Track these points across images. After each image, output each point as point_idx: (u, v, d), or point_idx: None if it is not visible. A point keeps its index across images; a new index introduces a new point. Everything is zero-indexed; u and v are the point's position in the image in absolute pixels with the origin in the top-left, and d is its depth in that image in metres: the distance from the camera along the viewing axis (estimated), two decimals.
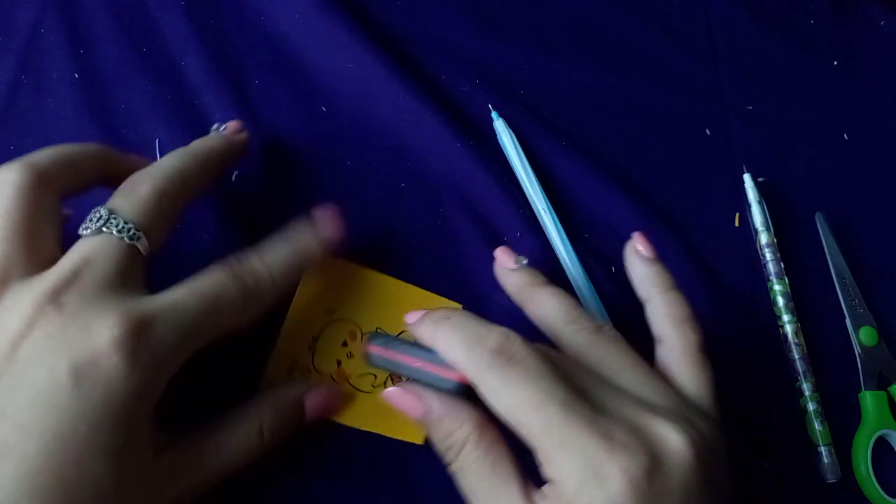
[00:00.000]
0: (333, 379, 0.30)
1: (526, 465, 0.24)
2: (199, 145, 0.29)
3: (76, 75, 0.34)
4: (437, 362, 0.26)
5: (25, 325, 0.22)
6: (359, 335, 0.30)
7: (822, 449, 0.32)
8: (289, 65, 0.36)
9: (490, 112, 0.37)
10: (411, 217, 0.34)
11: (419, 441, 0.30)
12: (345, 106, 0.36)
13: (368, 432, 0.29)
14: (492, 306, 0.33)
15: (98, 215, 0.24)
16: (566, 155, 0.37)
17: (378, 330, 0.30)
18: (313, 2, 0.37)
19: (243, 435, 0.26)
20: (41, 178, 0.24)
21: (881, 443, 0.33)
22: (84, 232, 0.24)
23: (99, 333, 0.22)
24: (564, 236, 0.34)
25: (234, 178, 0.33)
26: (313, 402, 0.28)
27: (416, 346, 0.27)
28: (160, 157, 0.30)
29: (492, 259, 0.33)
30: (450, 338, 0.25)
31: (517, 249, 0.34)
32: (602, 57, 0.40)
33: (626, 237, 0.35)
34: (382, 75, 0.36)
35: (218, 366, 0.28)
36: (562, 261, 0.34)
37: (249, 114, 0.35)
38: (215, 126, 0.32)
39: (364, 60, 0.36)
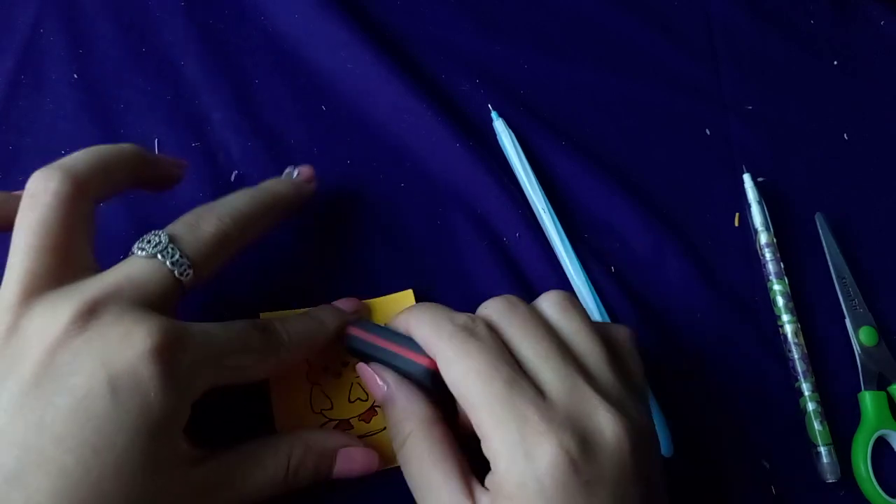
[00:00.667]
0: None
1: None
2: (270, 191, 0.29)
3: (75, 75, 0.34)
4: (411, 348, 0.26)
5: (63, 332, 0.21)
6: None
7: (822, 449, 0.32)
8: (289, 64, 0.36)
9: (490, 112, 0.37)
10: (410, 217, 0.34)
11: None
12: (344, 105, 0.36)
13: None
14: None
15: (158, 240, 0.24)
16: (566, 155, 0.37)
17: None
18: (313, 1, 0.37)
19: (272, 464, 0.25)
20: (80, 186, 0.24)
21: (881, 443, 0.33)
22: (139, 252, 0.24)
23: (137, 343, 0.22)
24: (564, 236, 0.34)
25: (233, 178, 0.33)
26: (348, 457, 0.27)
27: (397, 334, 0.27)
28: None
29: (491, 259, 0.34)
30: (420, 317, 0.26)
31: (517, 249, 0.34)
32: (602, 57, 0.40)
33: (626, 237, 0.36)
34: (382, 75, 0.36)
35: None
36: (561, 261, 0.34)
37: (249, 113, 0.35)
38: (289, 170, 0.31)
39: (364, 60, 0.36)
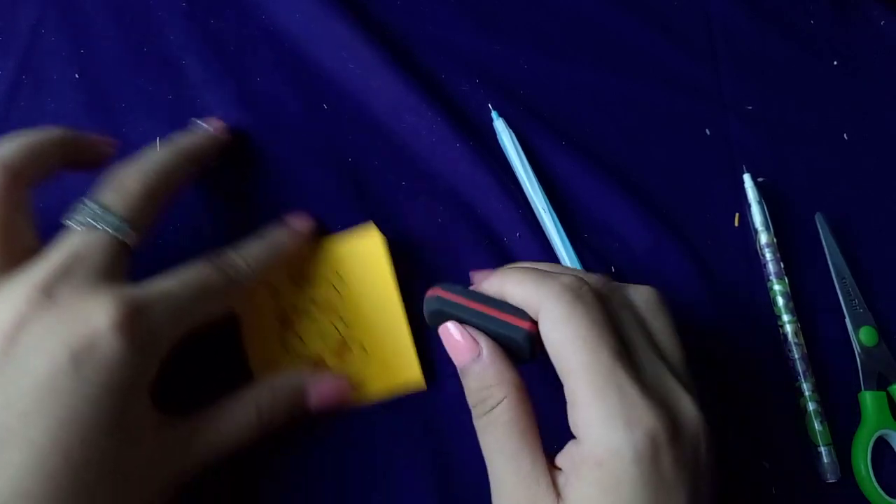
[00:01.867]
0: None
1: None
2: (184, 142, 0.30)
3: (76, 75, 0.35)
4: (506, 311, 0.25)
5: (19, 317, 0.22)
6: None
7: (822, 449, 0.32)
8: (289, 63, 0.36)
9: (490, 112, 0.37)
10: (410, 216, 0.34)
11: (422, 385, 0.30)
12: (345, 105, 0.36)
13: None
14: None
15: (88, 209, 0.25)
16: (566, 155, 0.37)
17: None
18: (314, 1, 0.37)
19: (240, 414, 0.27)
20: (14, 176, 0.24)
21: (881, 443, 0.33)
22: (74, 224, 0.25)
23: (96, 318, 0.22)
24: (564, 236, 0.34)
25: (242, 181, 0.33)
26: (319, 392, 0.28)
27: (488, 297, 0.26)
28: None
29: (491, 259, 0.34)
30: (521, 277, 0.26)
31: (517, 249, 0.34)
32: (602, 57, 0.40)
33: (626, 237, 0.36)
34: (383, 74, 0.36)
35: (213, 356, 0.29)
36: (561, 261, 0.34)
37: (250, 112, 0.35)
38: (197, 122, 0.32)
39: (365, 59, 0.36)
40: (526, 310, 0.25)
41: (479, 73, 0.38)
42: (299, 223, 0.31)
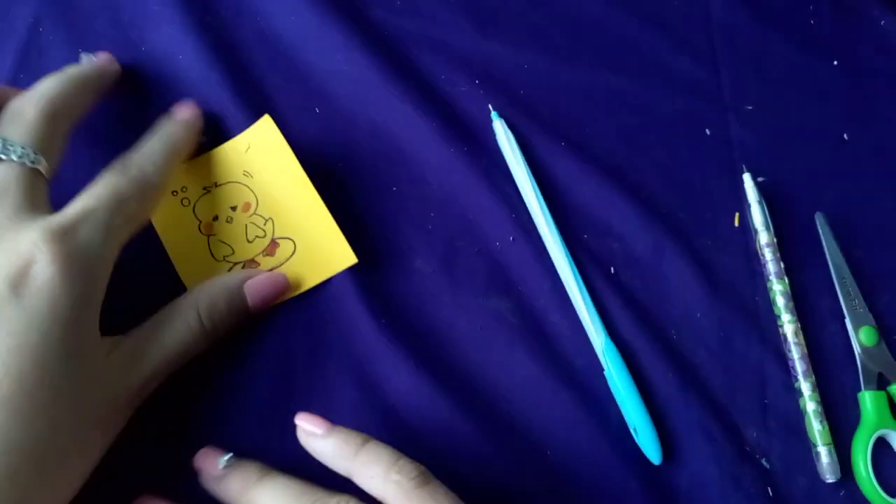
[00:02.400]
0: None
1: None
2: (73, 70, 0.31)
3: None
4: None
5: None
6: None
7: (822, 449, 0.32)
8: (284, 66, 0.36)
9: (489, 112, 0.36)
10: (401, 221, 0.34)
11: (354, 260, 0.30)
12: (338, 108, 0.36)
13: None
14: (486, 310, 0.33)
15: None
16: (566, 155, 0.37)
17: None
18: (310, 3, 0.37)
19: (182, 323, 0.27)
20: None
21: (881, 443, 0.33)
22: None
23: (25, 246, 0.23)
24: (560, 239, 0.34)
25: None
26: (254, 288, 0.29)
27: None
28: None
29: (483, 264, 0.33)
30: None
31: (510, 253, 0.34)
32: (602, 57, 0.40)
33: (626, 237, 0.36)
34: (376, 78, 0.36)
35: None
36: (556, 265, 0.34)
37: (244, 114, 0.34)
38: (85, 56, 0.33)
39: (359, 63, 0.36)
40: None
41: (479, 73, 0.38)
42: (187, 112, 0.32)
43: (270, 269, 0.30)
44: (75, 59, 0.34)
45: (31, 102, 0.27)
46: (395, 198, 0.35)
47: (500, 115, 0.36)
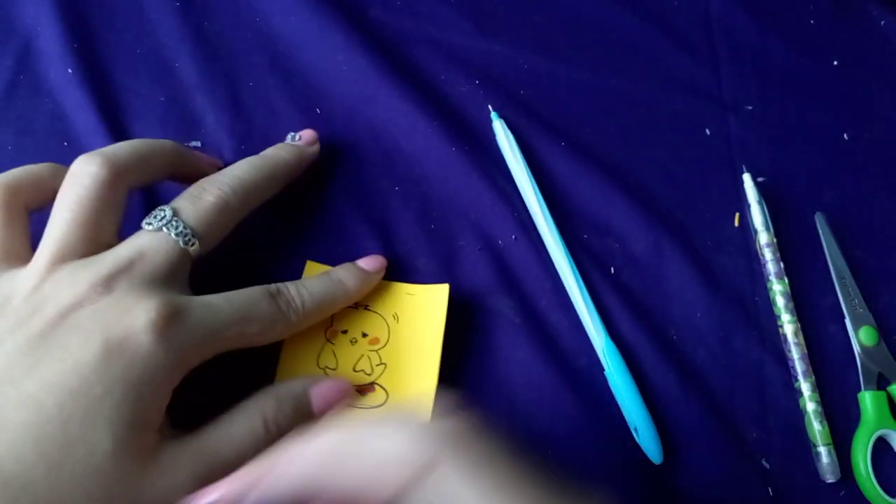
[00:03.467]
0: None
1: None
2: (271, 157, 0.31)
3: (72, 75, 0.34)
4: None
5: (76, 299, 0.23)
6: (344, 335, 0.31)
7: (822, 449, 0.32)
8: (283, 66, 0.36)
9: (489, 112, 0.36)
10: (403, 221, 0.34)
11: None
12: (339, 108, 0.36)
13: None
14: (485, 311, 0.33)
15: (162, 214, 0.26)
16: (566, 155, 0.37)
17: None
18: (310, 3, 0.37)
19: (246, 426, 0.26)
20: (118, 174, 0.26)
21: (881, 443, 0.33)
22: (147, 226, 0.26)
23: (137, 315, 0.23)
24: (560, 239, 0.34)
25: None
26: (319, 394, 0.28)
27: None
28: None
29: (486, 263, 0.33)
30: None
31: (512, 252, 0.34)
32: (602, 57, 0.40)
33: (626, 238, 0.36)
34: (377, 78, 0.36)
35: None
36: (556, 265, 0.34)
37: (243, 115, 0.35)
38: (291, 135, 0.33)
39: (359, 63, 0.36)
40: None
41: (479, 73, 0.38)
42: (372, 263, 0.31)
43: (353, 403, 0.29)
44: (75, 60, 0.34)
45: (215, 188, 0.28)
46: (397, 198, 0.35)
47: (500, 115, 0.36)
